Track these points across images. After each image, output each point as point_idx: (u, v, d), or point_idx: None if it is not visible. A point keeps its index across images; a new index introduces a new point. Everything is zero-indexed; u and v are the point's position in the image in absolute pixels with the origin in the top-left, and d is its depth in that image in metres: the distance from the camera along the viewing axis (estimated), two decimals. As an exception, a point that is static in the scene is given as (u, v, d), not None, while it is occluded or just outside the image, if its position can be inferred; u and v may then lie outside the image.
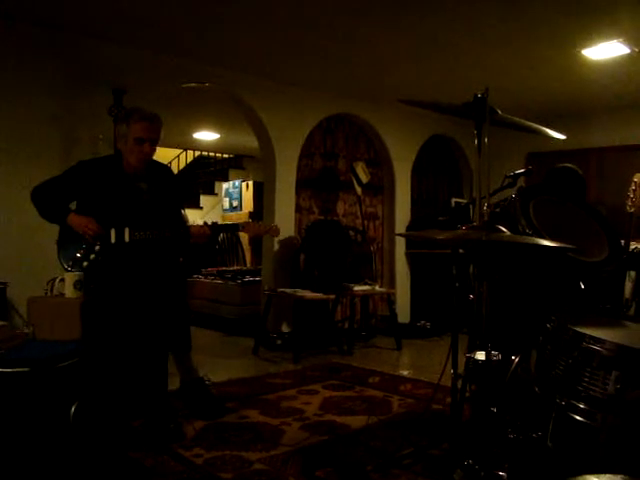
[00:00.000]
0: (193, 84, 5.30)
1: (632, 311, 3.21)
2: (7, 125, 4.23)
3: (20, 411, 2.28)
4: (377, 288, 6.00)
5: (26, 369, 2.32)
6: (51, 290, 3.24)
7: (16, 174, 4.21)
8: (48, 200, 3.16)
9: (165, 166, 3.61)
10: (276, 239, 5.73)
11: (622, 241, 2.96)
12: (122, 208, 3.17)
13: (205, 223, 3.43)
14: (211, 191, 10.81)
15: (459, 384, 2.60)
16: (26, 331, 2.87)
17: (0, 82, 4.18)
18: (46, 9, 4.07)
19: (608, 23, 4.19)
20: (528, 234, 2.46)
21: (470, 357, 2.38)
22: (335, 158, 6.63)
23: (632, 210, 3.29)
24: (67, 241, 3.19)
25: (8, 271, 4.03)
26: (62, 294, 3.15)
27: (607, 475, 1.33)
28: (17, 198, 4.03)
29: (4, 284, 4.00)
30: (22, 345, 2.72)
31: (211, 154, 11.16)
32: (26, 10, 4.09)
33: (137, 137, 3.15)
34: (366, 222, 6.68)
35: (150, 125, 3.18)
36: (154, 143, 3.22)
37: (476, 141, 2.34)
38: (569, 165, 3.69)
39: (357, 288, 5.67)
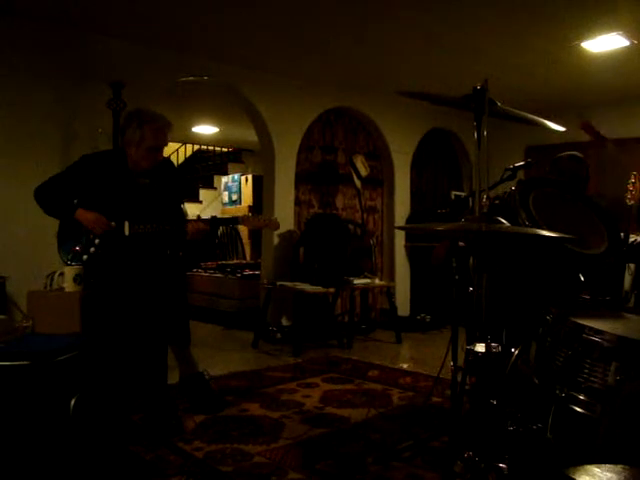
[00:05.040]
0: (192, 78, 5.29)
1: (631, 303, 3.21)
2: (6, 120, 4.22)
3: (20, 404, 2.28)
4: (377, 281, 6.01)
5: (26, 362, 2.32)
6: (50, 284, 3.24)
7: (15, 168, 4.20)
8: (54, 198, 3.15)
9: (167, 159, 3.59)
10: (276, 233, 5.73)
11: (622, 233, 2.96)
12: (122, 202, 3.17)
13: (199, 217, 3.42)
14: (210, 185, 10.80)
15: (459, 377, 2.60)
16: (26, 325, 2.87)
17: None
18: (44, 3, 4.06)
19: (608, 15, 4.17)
20: (528, 226, 2.45)
21: (470, 349, 2.38)
22: (334, 151, 6.62)
23: (632, 203, 3.30)
24: (67, 235, 3.19)
25: (8, 265, 4.03)
26: (62, 288, 3.15)
27: (607, 465, 1.33)
28: (17, 192, 4.03)
29: (3, 278, 4.00)
30: (22, 338, 2.72)
31: (210, 148, 11.14)
32: (24, 4, 4.08)
33: (152, 146, 3.15)
34: (365, 215, 6.68)
35: (164, 133, 3.20)
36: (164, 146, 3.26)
37: (475, 134, 2.34)
38: (575, 153, 3.65)
39: (357, 281, 5.67)
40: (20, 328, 2.82)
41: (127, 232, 3.13)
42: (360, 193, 6.50)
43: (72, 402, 2.34)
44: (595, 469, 1.32)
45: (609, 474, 1.30)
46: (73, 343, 2.60)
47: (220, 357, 4.95)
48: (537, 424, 2.02)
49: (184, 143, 10.78)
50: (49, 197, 3.15)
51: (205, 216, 9.17)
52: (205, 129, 8.95)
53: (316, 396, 3.75)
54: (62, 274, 3.14)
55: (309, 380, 4.17)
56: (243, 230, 8.80)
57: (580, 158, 3.59)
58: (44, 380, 2.33)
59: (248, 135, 7.64)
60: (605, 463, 1.36)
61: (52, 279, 3.21)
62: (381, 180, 7.06)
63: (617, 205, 3.26)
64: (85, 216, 3.09)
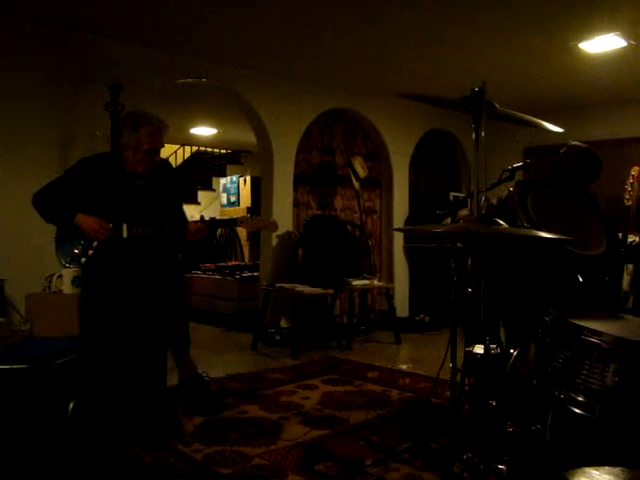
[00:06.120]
0: (190, 79, 5.29)
1: (630, 304, 3.21)
2: (3, 123, 4.21)
3: (19, 408, 2.27)
4: (375, 282, 6.00)
5: (24, 366, 2.32)
6: (49, 287, 3.23)
7: (14, 171, 4.20)
8: (53, 203, 3.13)
9: (165, 161, 3.59)
10: (274, 234, 5.73)
11: (620, 234, 2.96)
12: (120, 204, 3.17)
13: (202, 218, 3.42)
14: (209, 187, 10.79)
15: (458, 378, 2.60)
16: (24, 328, 2.87)
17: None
18: (41, 6, 4.05)
19: (605, 16, 4.18)
20: (526, 227, 2.45)
21: (469, 351, 2.38)
22: (333, 153, 6.62)
23: (630, 203, 3.29)
24: (65, 237, 3.18)
25: (6, 268, 4.02)
26: (60, 290, 3.15)
27: (606, 467, 1.33)
28: (15, 195, 4.02)
29: (2, 281, 3.99)
30: (20, 342, 2.72)
31: (208, 149, 11.13)
32: (21, 7, 4.07)
33: (149, 149, 3.15)
34: (364, 216, 6.68)
35: (161, 135, 3.19)
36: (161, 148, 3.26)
37: (474, 135, 2.34)
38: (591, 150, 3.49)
39: (355, 283, 5.67)
40: (18, 331, 2.82)
41: (125, 234, 3.13)
42: (359, 194, 6.50)
43: (71, 405, 2.34)
44: (593, 471, 1.32)
45: (607, 476, 1.30)
46: (72, 346, 2.60)
47: (219, 359, 4.94)
48: (536, 425, 2.02)
49: (182, 145, 10.77)
50: (48, 204, 3.14)
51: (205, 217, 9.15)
52: (203, 131, 8.95)
53: (315, 398, 3.75)
54: (60, 277, 3.14)
55: (308, 382, 4.16)
56: (241, 231, 8.78)
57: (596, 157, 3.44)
58: (43, 383, 2.33)
59: (246, 136, 7.64)
60: (604, 465, 1.35)
61: (50, 282, 3.20)
62: (379, 181, 7.06)
63: (615, 206, 3.26)
64: (86, 223, 3.08)
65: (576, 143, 3.43)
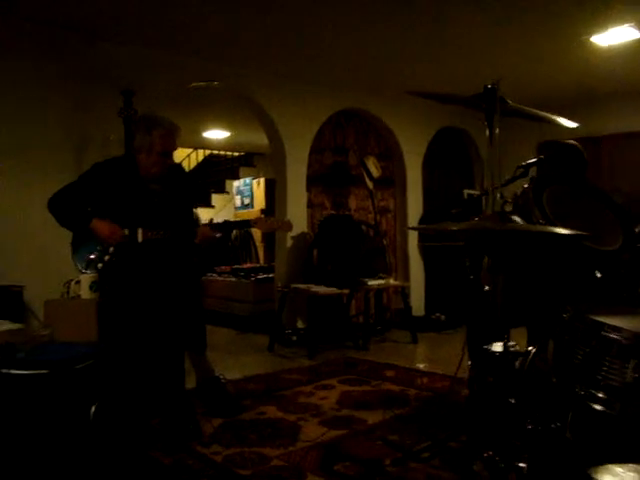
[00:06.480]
0: (202, 83, 5.31)
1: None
2: (19, 128, 4.25)
3: (40, 413, 2.30)
4: (391, 282, 6.00)
5: (45, 371, 2.34)
6: (67, 292, 3.26)
7: (30, 177, 4.23)
8: (68, 208, 3.15)
9: (178, 165, 3.61)
10: (289, 235, 5.74)
11: (637, 229, 2.93)
12: (135, 209, 3.19)
13: (210, 222, 3.43)
14: (222, 189, 10.83)
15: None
16: (44, 333, 2.89)
17: (10, 85, 4.21)
18: (54, 10, 4.09)
19: (618, 7, 4.14)
20: (542, 224, 2.44)
21: (487, 349, 2.37)
22: (345, 153, 6.62)
23: (646, 197, 3.25)
24: (81, 243, 3.21)
25: (25, 274, 4.05)
26: (78, 296, 3.17)
27: (630, 464, 1.32)
28: (31, 201, 4.05)
29: (21, 287, 4.02)
30: (41, 347, 2.74)
31: (221, 152, 11.17)
32: (34, 11, 4.11)
33: (163, 151, 3.17)
34: (378, 216, 6.67)
35: (173, 137, 3.21)
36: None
37: (487, 132, 2.33)
38: (574, 143, 3.44)
39: (371, 282, 5.66)
40: (38, 336, 2.84)
41: (140, 239, 3.15)
42: (372, 194, 6.49)
43: (92, 409, 2.36)
44: (617, 468, 1.30)
45: (632, 473, 1.29)
46: (91, 351, 2.62)
47: (235, 361, 4.96)
48: (556, 423, 2.01)
49: (195, 148, 10.82)
50: (63, 207, 3.16)
51: (218, 220, 9.19)
52: (216, 134, 8.98)
53: (333, 398, 3.75)
54: (78, 282, 3.16)
55: (325, 382, 4.17)
56: (256, 233, 8.81)
57: (576, 148, 3.36)
58: (64, 388, 2.35)
59: (259, 139, 7.66)
60: (625, 462, 1.34)
61: (69, 287, 3.23)
62: (393, 180, 7.05)
63: (634, 200, 3.22)
64: (100, 227, 3.10)
65: (554, 140, 3.36)
